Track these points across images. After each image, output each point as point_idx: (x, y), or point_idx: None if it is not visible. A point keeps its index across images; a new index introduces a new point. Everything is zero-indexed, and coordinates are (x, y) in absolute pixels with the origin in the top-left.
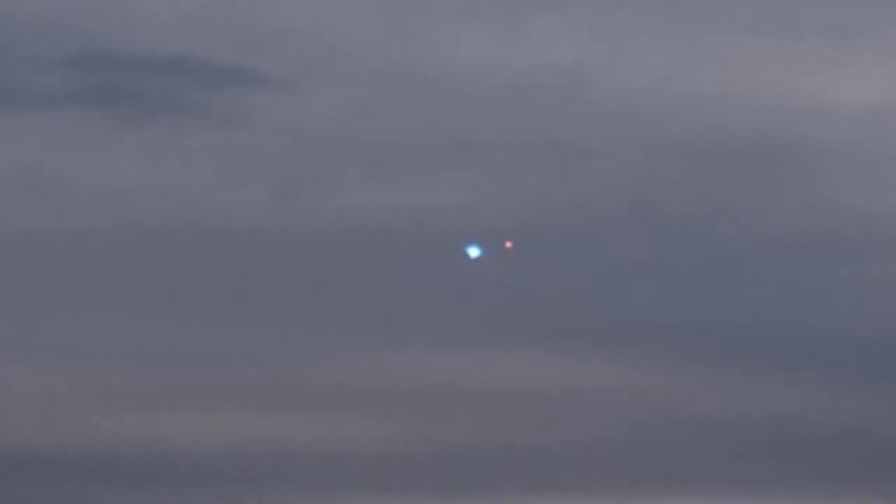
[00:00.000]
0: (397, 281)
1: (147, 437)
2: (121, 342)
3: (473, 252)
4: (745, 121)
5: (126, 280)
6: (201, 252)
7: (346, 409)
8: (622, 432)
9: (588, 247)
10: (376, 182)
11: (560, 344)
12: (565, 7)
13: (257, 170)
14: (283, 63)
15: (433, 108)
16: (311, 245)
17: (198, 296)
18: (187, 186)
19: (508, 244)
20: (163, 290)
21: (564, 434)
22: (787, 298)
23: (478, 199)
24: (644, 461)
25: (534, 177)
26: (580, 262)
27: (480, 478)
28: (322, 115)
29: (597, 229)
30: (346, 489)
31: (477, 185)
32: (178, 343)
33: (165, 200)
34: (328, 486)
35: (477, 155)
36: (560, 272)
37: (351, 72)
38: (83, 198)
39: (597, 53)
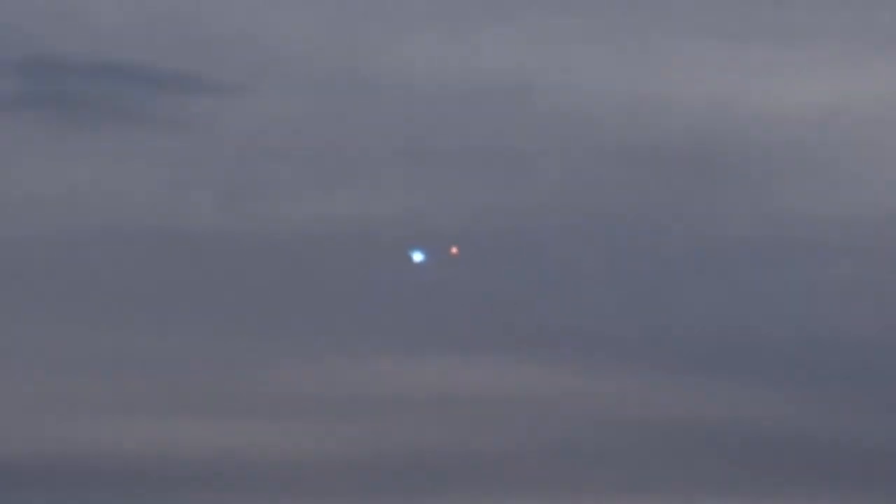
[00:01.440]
0: (345, 287)
1: (100, 444)
2: (67, 349)
3: (417, 257)
4: (694, 125)
5: (71, 286)
6: (149, 258)
7: (295, 416)
8: (574, 437)
9: (536, 252)
10: (324, 188)
11: (509, 350)
12: (512, 14)
13: (205, 176)
14: (231, 69)
15: (381, 115)
16: (259, 251)
17: (145, 302)
18: (134, 192)
19: (454, 249)
20: (110, 297)
21: (516, 439)
22: (739, 302)
23: (425, 206)
24: (597, 466)
25: (481, 183)
26: (529, 268)
27: (435, 483)
28: (270, 121)
29: (545, 235)
30: (297, 495)
31: (424, 191)
32: (124, 349)
33: (113, 206)
34: (279, 492)
35: (424, 161)
36: (508, 278)
37: (299, 78)
38: (28, 204)
39: (543, 59)
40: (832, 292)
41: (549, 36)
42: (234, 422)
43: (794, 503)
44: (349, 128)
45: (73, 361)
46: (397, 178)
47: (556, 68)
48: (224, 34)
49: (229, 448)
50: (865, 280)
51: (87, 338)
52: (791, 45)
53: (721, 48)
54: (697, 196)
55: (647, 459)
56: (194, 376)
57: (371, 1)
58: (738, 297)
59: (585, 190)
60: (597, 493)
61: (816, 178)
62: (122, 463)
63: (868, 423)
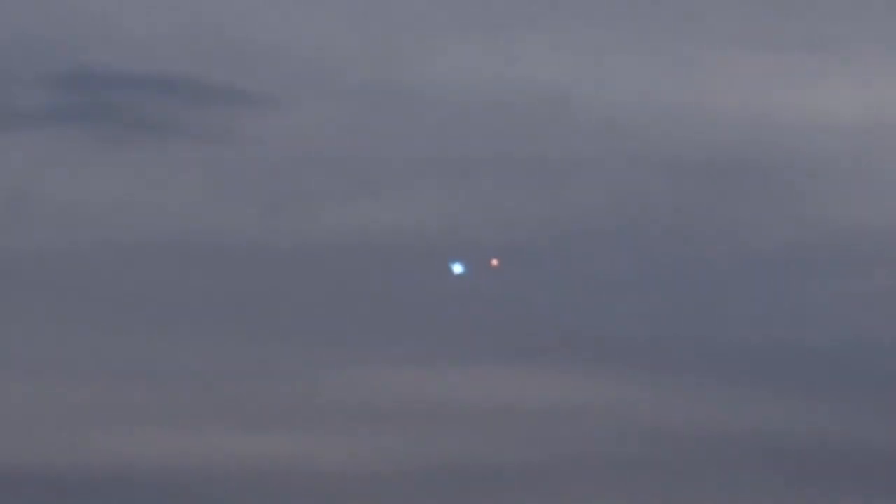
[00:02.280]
0: (382, 298)
1: (128, 455)
2: (106, 360)
3: (457, 268)
4: (731, 135)
5: (111, 298)
6: (187, 269)
7: (330, 427)
8: (608, 448)
9: (574, 263)
10: (361, 198)
11: (547, 360)
12: (549, 23)
13: (242, 187)
14: (268, 80)
15: (418, 125)
16: (296, 262)
17: (181, 313)
18: (172, 203)
19: (494, 261)
20: (147, 308)
21: (550, 450)
22: (773, 313)
23: (463, 216)
24: (632, 477)
25: (519, 193)
26: (566, 278)
27: (465, 494)
28: (307, 132)
29: (582, 245)
30: None
31: (462, 201)
32: (162, 360)
33: (151, 218)
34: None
35: (462, 171)
36: (545, 288)
37: (336, 88)
38: (68, 216)
39: (581, 69)
40: (870, 302)
41: (587, 46)
42: (269, 433)
43: None
44: (387, 138)
45: (111, 371)
46: (436, 189)
47: (594, 78)
48: (262, 46)
49: (260, 460)
50: None
51: (124, 348)
52: (829, 55)
53: (759, 58)
54: (734, 206)
55: (685, 470)
56: (231, 387)
57: (408, 12)
58: (776, 307)
59: (623, 200)
60: (635, 502)
61: (855, 188)
62: (152, 473)
63: None
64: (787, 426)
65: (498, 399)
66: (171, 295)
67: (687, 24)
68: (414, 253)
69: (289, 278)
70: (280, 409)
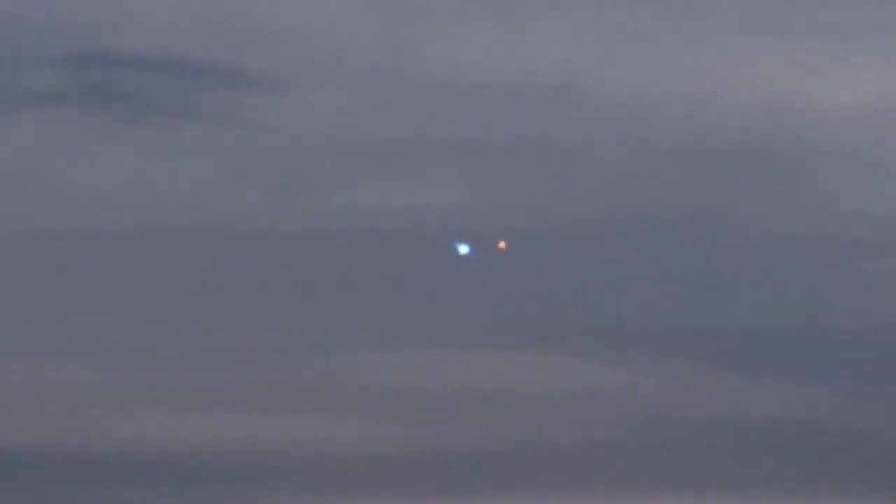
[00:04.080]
0: (391, 282)
1: (139, 437)
2: (116, 342)
3: (462, 249)
4: (738, 122)
5: (121, 280)
6: (196, 252)
7: (340, 410)
8: (617, 434)
9: (582, 248)
10: (370, 182)
11: (554, 345)
12: (560, 9)
13: (251, 170)
14: (277, 64)
15: (426, 109)
16: (305, 245)
17: (191, 296)
18: (182, 186)
19: (502, 244)
20: (157, 290)
21: (559, 435)
22: (783, 300)
23: (471, 200)
24: (640, 463)
25: (527, 178)
26: (573, 263)
27: (473, 479)
28: (316, 116)
29: (590, 230)
30: (338, 490)
31: (470, 185)
32: (172, 343)
33: (160, 200)
34: (321, 486)
35: (470, 155)
36: (553, 273)
37: (344, 72)
38: (77, 197)
39: (589, 54)
40: (881, 289)
41: (597, 32)
42: (277, 416)
43: (843, 501)
44: (396, 123)
45: (118, 354)
46: (444, 173)
47: (604, 64)
48: (271, 30)
49: (269, 443)
50: None
51: (134, 331)
52: (840, 43)
53: (769, 45)
54: (743, 193)
55: (691, 456)
56: (240, 372)
57: None
58: (785, 295)
59: (633, 186)
60: (641, 489)
61: (865, 177)
62: (158, 456)
63: None
64: (795, 413)
65: (504, 383)
66: (179, 278)
67: (696, 11)
68: (423, 237)
69: (297, 262)
70: (288, 392)
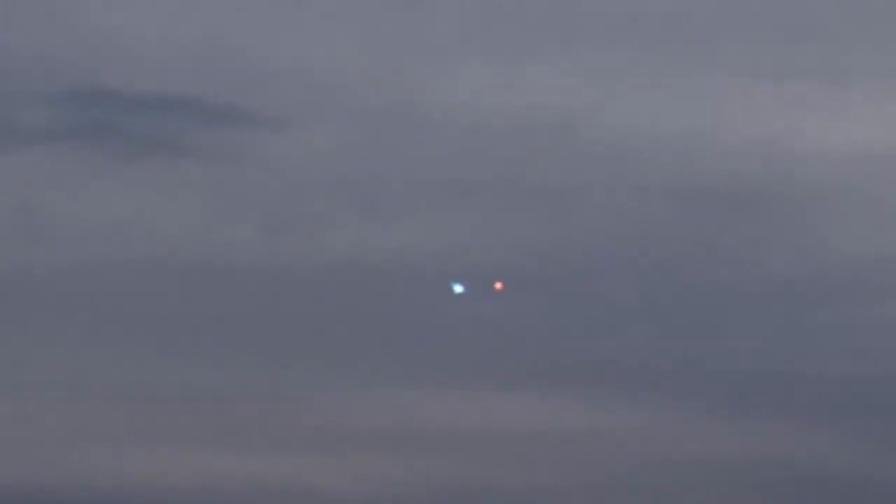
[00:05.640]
0: (387, 320)
1: (132, 473)
2: (110, 378)
3: (457, 289)
4: (737, 163)
5: (116, 316)
6: (191, 289)
7: (328, 448)
8: (613, 473)
9: (579, 288)
10: (367, 221)
11: (550, 385)
12: (558, 50)
13: (248, 208)
14: (275, 102)
15: (425, 149)
16: (300, 283)
17: (184, 333)
18: (178, 223)
19: (498, 285)
20: (150, 327)
21: (548, 475)
22: (779, 341)
23: (469, 240)
24: (635, 502)
25: (525, 217)
26: (570, 304)
27: None
28: (314, 154)
29: (587, 271)
30: None
31: (468, 225)
32: (161, 379)
33: (156, 237)
34: None
35: (468, 195)
36: (550, 313)
37: (343, 111)
38: (74, 233)
39: (588, 96)
40: (877, 331)
41: (595, 72)
42: (268, 455)
43: None
44: (393, 161)
45: (111, 391)
46: (442, 212)
47: (602, 104)
48: (269, 68)
49: (262, 481)
50: None
51: (128, 367)
52: (839, 85)
53: (767, 87)
54: (740, 234)
55: (685, 496)
56: (234, 409)
57: (416, 38)
58: (780, 336)
59: (629, 226)
60: None
61: (862, 218)
62: (158, 492)
63: None
64: (789, 454)
65: (497, 422)
66: (174, 314)
67: (695, 53)
68: (419, 276)
69: (292, 300)
70: (280, 430)
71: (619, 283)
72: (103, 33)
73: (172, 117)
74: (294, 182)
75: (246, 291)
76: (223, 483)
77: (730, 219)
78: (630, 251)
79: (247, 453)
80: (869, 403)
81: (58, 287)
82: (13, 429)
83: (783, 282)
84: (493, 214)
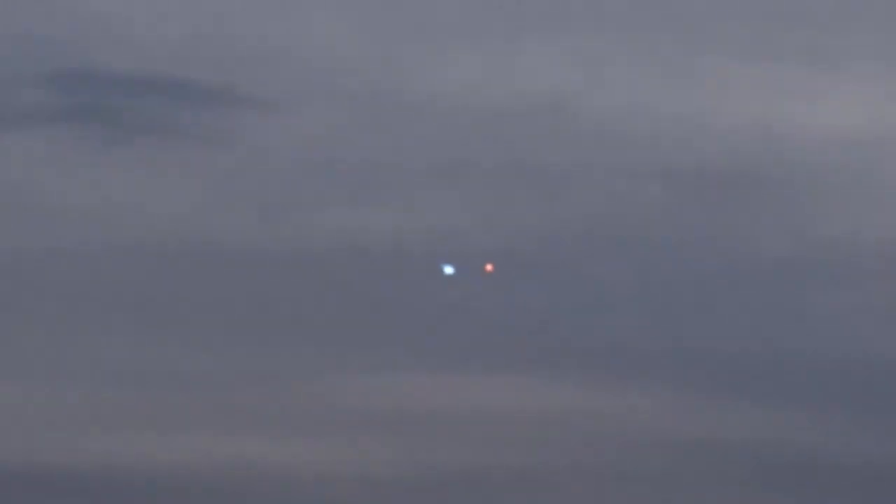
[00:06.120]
0: (379, 303)
1: (123, 456)
2: (105, 362)
3: (448, 270)
4: (729, 146)
5: (111, 299)
6: (186, 271)
7: (327, 431)
8: (608, 455)
9: (569, 271)
10: (359, 204)
11: (542, 367)
12: (549, 33)
13: (242, 190)
14: (268, 84)
15: (416, 131)
16: (294, 266)
17: (179, 316)
18: (172, 206)
19: (489, 267)
20: (145, 311)
21: (542, 457)
22: (770, 324)
23: (460, 222)
24: (628, 485)
25: (517, 200)
26: (563, 286)
27: (458, 499)
28: (307, 137)
29: (578, 253)
30: None
31: (459, 208)
32: (159, 363)
33: (150, 219)
34: None
35: (459, 178)
36: (541, 296)
37: (336, 94)
38: (66, 217)
39: (579, 79)
40: (868, 314)
41: (588, 55)
42: (266, 437)
43: None
44: (386, 144)
45: (106, 374)
46: (434, 195)
47: (594, 88)
48: (262, 51)
49: (259, 463)
50: None
51: (124, 350)
52: (829, 67)
53: (758, 70)
54: (733, 217)
55: (678, 479)
56: (226, 392)
57: (409, 19)
58: (772, 319)
59: (621, 209)
60: None
61: (854, 201)
62: (147, 475)
63: None
64: (782, 437)
65: (490, 405)
66: (168, 297)
67: (686, 36)
68: (412, 258)
69: (287, 282)
70: (274, 412)
71: (612, 264)
72: (94, 16)
73: (165, 100)
74: (287, 165)
75: (237, 274)
76: (220, 465)
77: (722, 201)
78: (623, 233)
79: (240, 436)
80: (860, 385)
81: (47, 269)
82: (7, 412)
83: (776, 264)
84: (485, 197)
